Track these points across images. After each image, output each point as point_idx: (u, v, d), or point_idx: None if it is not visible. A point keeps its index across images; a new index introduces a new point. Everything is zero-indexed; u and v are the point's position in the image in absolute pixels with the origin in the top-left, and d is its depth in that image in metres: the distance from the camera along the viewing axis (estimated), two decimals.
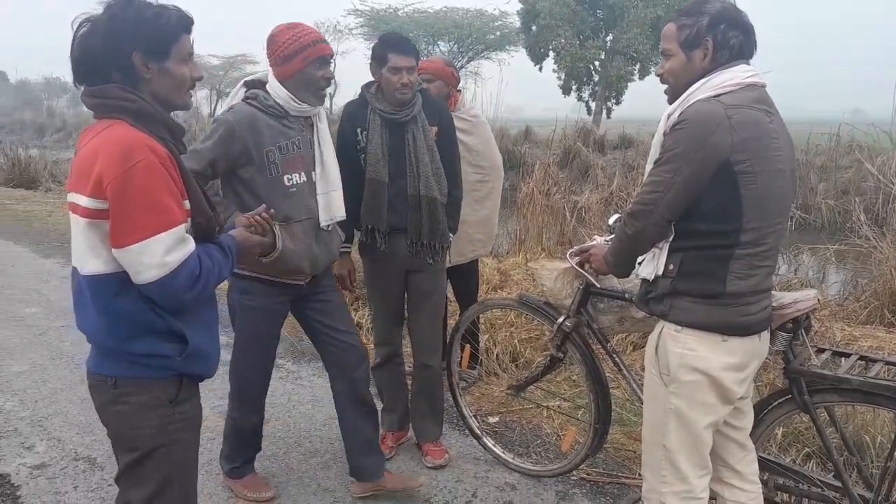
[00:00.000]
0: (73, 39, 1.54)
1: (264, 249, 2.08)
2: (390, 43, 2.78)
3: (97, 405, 1.66)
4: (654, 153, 1.89)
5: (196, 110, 20.08)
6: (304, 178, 2.48)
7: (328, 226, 2.57)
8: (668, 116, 1.85)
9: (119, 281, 1.52)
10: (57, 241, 7.98)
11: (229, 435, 2.86)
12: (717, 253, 1.81)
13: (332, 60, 2.51)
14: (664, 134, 1.85)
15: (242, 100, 2.48)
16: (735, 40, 1.82)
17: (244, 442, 2.86)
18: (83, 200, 1.49)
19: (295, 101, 2.43)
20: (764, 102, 1.82)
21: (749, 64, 1.85)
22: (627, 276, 2.14)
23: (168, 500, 1.69)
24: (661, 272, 1.90)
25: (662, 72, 1.94)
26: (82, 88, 1.58)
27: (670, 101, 1.90)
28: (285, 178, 2.43)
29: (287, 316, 2.72)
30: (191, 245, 1.55)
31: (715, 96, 1.77)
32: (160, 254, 1.48)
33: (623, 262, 2.03)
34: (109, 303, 1.54)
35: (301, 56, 2.38)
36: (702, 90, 1.80)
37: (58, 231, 8.46)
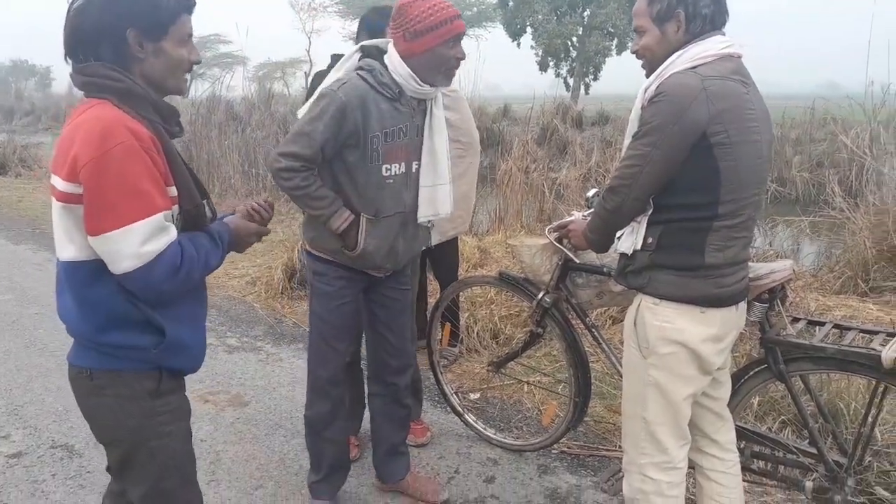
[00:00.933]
0: (68, 12, 1.47)
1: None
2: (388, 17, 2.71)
3: (77, 398, 1.61)
4: (631, 127, 1.88)
5: None
6: (402, 168, 2.26)
7: (428, 222, 2.40)
8: (646, 90, 1.84)
9: (95, 268, 1.46)
10: (28, 227, 7.82)
11: (310, 442, 2.60)
12: (694, 225, 1.81)
13: (462, 37, 2.20)
14: (642, 107, 1.84)
15: (355, 70, 2.23)
16: (707, 10, 1.81)
17: (322, 449, 2.58)
18: (59, 183, 1.43)
19: (416, 82, 2.18)
20: (740, 73, 1.81)
21: (724, 34, 1.84)
22: (606, 250, 2.14)
23: (167, 493, 1.64)
24: (639, 246, 1.90)
25: (638, 48, 1.92)
26: (72, 65, 1.51)
27: (648, 76, 1.89)
28: (384, 167, 2.22)
29: (362, 305, 2.51)
30: (171, 234, 1.47)
31: (691, 68, 1.76)
32: (137, 243, 1.40)
33: (603, 236, 2.02)
34: (85, 291, 1.48)
35: (436, 33, 2.11)
36: (678, 62, 1.79)
37: (28, 217, 8.29)
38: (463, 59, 2.22)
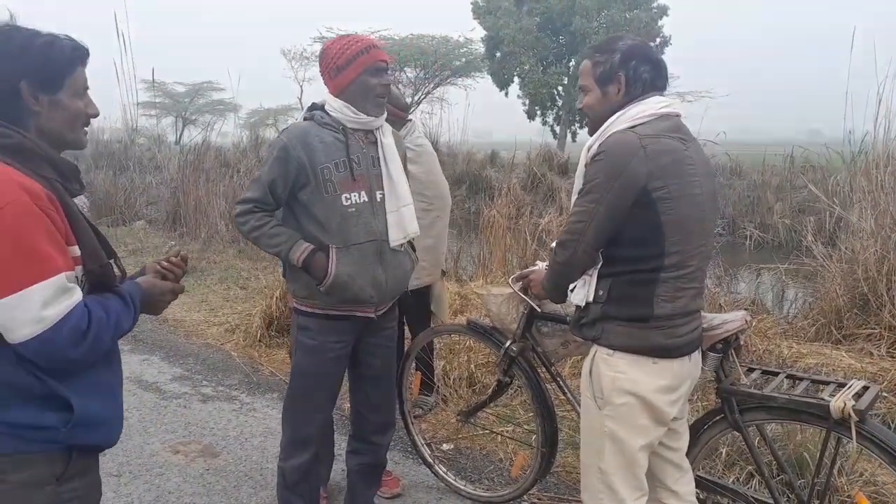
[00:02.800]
0: None
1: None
2: None
3: None
4: (577, 184, 1.96)
5: (160, 138, 19.83)
6: (364, 197, 2.31)
7: (401, 245, 2.42)
8: (588, 149, 1.92)
9: None
10: None
11: (280, 492, 2.56)
12: (642, 277, 1.87)
13: (388, 67, 2.34)
14: (585, 165, 1.92)
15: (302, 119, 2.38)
16: (647, 74, 1.91)
17: (294, 501, 2.53)
18: None
19: (352, 112, 2.29)
20: (679, 131, 1.90)
21: (663, 95, 1.93)
22: (563, 301, 2.19)
23: None
24: (591, 298, 1.94)
25: (581, 106, 2.02)
26: None
27: (591, 133, 1.97)
28: (343, 197, 2.27)
29: (348, 359, 2.48)
30: (76, 296, 1.37)
31: (630, 127, 1.85)
32: (36, 307, 1.29)
33: (556, 288, 2.07)
34: None
35: (355, 64, 2.25)
36: (617, 122, 1.87)
37: None
38: (388, 85, 2.35)
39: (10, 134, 1.39)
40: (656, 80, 1.92)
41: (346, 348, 2.44)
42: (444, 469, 3.17)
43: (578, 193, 1.92)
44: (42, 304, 1.31)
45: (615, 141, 1.84)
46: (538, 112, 29.49)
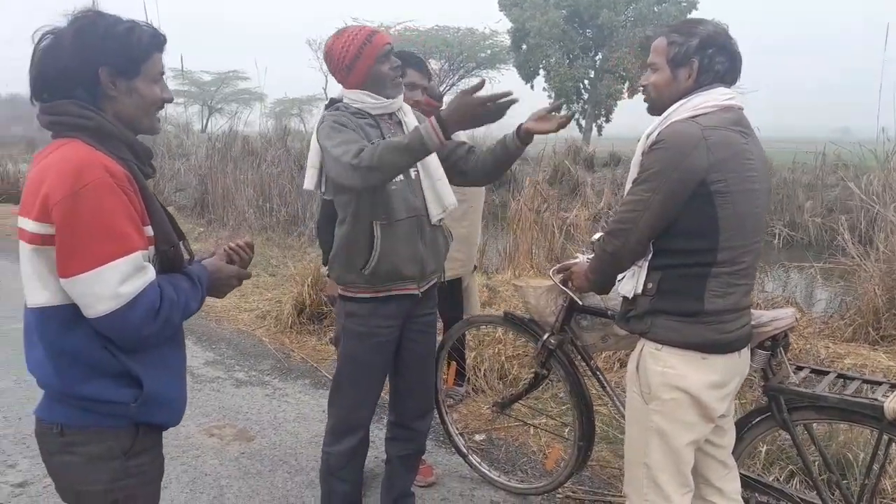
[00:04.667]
0: (34, 53, 1.42)
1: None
2: (408, 61, 2.78)
3: (43, 455, 1.51)
4: (632, 172, 1.92)
5: (188, 126, 20.03)
6: (401, 175, 2.29)
7: (440, 220, 2.42)
8: (647, 136, 1.88)
9: (68, 314, 1.38)
10: None
11: (324, 478, 2.59)
12: (694, 271, 1.84)
13: (392, 47, 2.32)
14: (643, 153, 1.88)
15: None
16: (720, 66, 1.86)
17: (340, 489, 2.55)
18: (29, 225, 1.36)
19: (372, 98, 2.31)
20: (740, 124, 1.86)
21: (727, 87, 1.89)
22: (607, 293, 2.17)
23: None
24: (640, 290, 1.92)
25: (647, 83, 1.97)
26: (38, 106, 1.45)
27: (650, 112, 1.95)
28: None
29: (397, 342, 2.47)
30: (150, 274, 1.40)
31: (692, 117, 1.81)
32: (114, 283, 1.32)
33: (603, 278, 2.05)
34: (58, 339, 1.39)
35: (363, 57, 2.26)
36: (680, 111, 1.84)
37: None
38: (398, 66, 2.33)
39: (91, 116, 1.42)
40: (728, 73, 1.88)
41: (395, 332, 2.44)
42: (477, 459, 3.18)
43: (633, 182, 1.88)
44: (119, 281, 1.34)
45: (676, 130, 1.80)
46: (563, 105, 29.31)
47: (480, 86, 2.12)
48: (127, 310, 1.35)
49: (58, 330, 1.39)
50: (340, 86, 2.38)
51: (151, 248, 1.46)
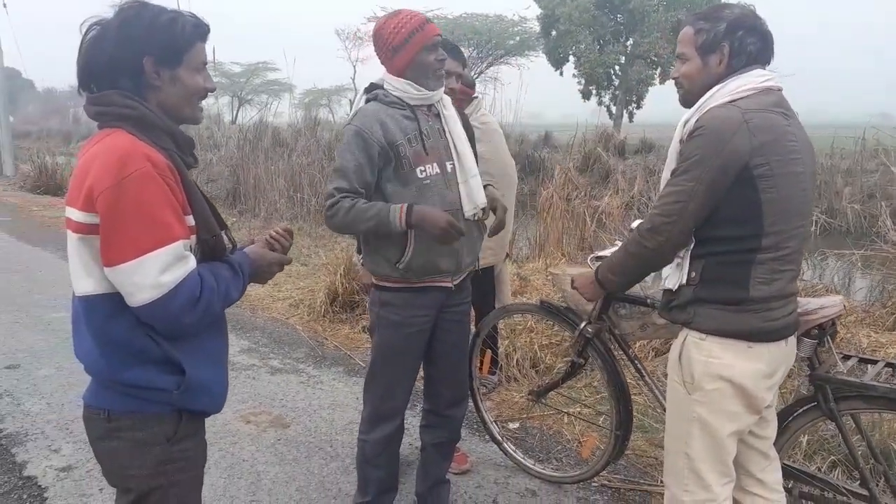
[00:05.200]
0: (82, 44, 1.45)
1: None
2: (445, 48, 2.78)
3: (90, 440, 1.55)
4: (670, 162, 1.88)
5: (219, 117, 20.24)
6: (436, 169, 2.31)
7: (474, 215, 2.40)
8: (685, 123, 1.83)
9: (113, 303, 1.41)
10: None
11: (360, 465, 2.60)
12: (738, 258, 1.80)
13: (440, 41, 2.31)
14: (681, 141, 1.83)
15: (365, 102, 2.38)
16: (752, 47, 1.81)
17: (376, 475, 2.57)
18: (75, 214, 1.39)
19: (414, 88, 2.29)
20: (781, 106, 1.80)
21: (764, 69, 1.84)
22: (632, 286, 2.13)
23: None
24: (684, 280, 1.88)
25: (678, 75, 1.93)
26: (85, 96, 1.48)
27: (683, 104, 1.90)
28: (418, 170, 2.27)
29: (430, 332, 2.47)
30: (191, 263, 1.42)
31: (731, 101, 1.76)
32: (155, 273, 1.35)
33: (634, 279, 2.01)
34: (103, 327, 1.43)
35: (412, 42, 2.24)
36: (717, 96, 1.79)
37: None
38: (444, 59, 2.33)
39: (134, 105, 1.44)
40: (762, 54, 1.83)
41: (429, 322, 2.44)
42: (512, 447, 3.17)
43: (673, 173, 1.83)
44: (161, 270, 1.36)
45: (716, 115, 1.75)
46: (594, 92, 28.95)
47: (456, 228, 2.21)
48: (168, 299, 1.37)
49: (103, 318, 1.43)
50: (383, 69, 2.36)
51: (193, 237, 1.48)
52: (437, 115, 2.39)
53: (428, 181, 2.29)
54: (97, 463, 3.11)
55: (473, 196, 2.39)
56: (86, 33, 1.46)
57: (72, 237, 1.42)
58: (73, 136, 30.30)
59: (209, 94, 1.57)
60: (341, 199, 2.25)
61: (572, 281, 2.37)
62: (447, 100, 2.44)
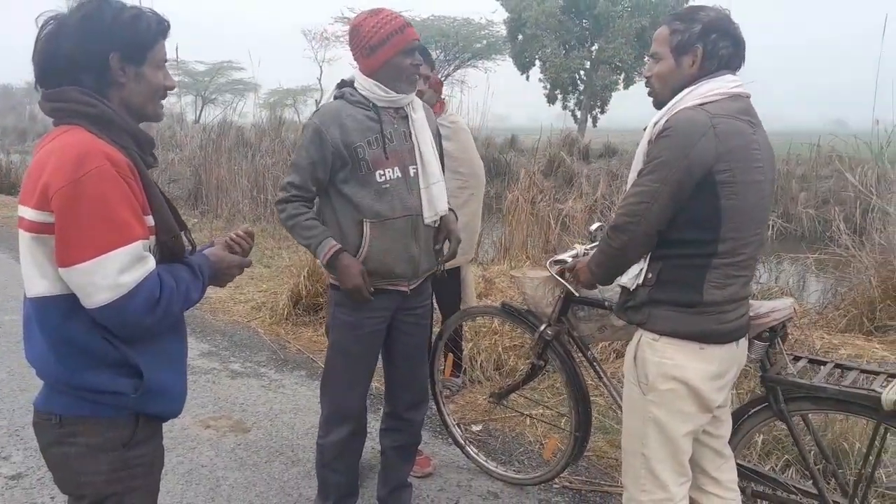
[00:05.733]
0: (38, 39, 1.41)
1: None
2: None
3: (41, 446, 1.49)
4: (637, 162, 1.89)
5: (181, 116, 19.91)
6: (398, 173, 2.29)
7: (434, 222, 2.40)
8: (654, 124, 1.85)
9: (68, 304, 1.36)
10: None
11: (318, 469, 2.60)
12: (694, 262, 1.83)
13: (418, 46, 2.31)
14: (649, 142, 1.85)
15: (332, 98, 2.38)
16: (725, 51, 1.84)
17: (334, 480, 2.56)
18: (28, 213, 1.35)
19: (382, 90, 2.27)
20: (748, 113, 1.84)
21: (734, 75, 1.87)
22: (610, 284, 2.15)
23: None
24: (641, 281, 1.91)
25: (650, 74, 1.94)
26: (41, 92, 1.44)
27: (655, 105, 1.91)
28: (377, 174, 2.26)
29: (384, 334, 2.48)
30: (150, 264, 1.39)
31: (700, 105, 1.78)
32: (114, 273, 1.31)
33: (608, 274, 2.01)
34: (58, 329, 1.38)
35: (389, 44, 2.21)
36: (687, 98, 1.81)
37: None
38: (419, 64, 2.33)
39: (94, 103, 1.40)
40: (733, 59, 1.86)
41: (382, 324, 2.44)
42: (474, 450, 3.18)
43: (639, 173, 1.85)
44: (119, 271, 1.33)
45: (684, 118, 1.77)
46: (559, 96, 29.24)
47: (363, 297, 2.31)
48: (126, 300, 1.34)
49: (57, 320, 1.38)
50: (357, 67, 2.34)
51: (152, 237, 1.45)
52: (405, 118, 2.36)
53: (387, 185, 2.28)
54: (49, 471, 3.03)
55: (434, 203, 2.37)
56: (42, 28, 1.42)
57: (24, 236, 1.37)
58: (28, 134, 29.48)
59: (170, 92, 1.55)
60: (289, 201, 2.30)
61: (575, 264, 2.35)
62: (417, 103, 2.41)
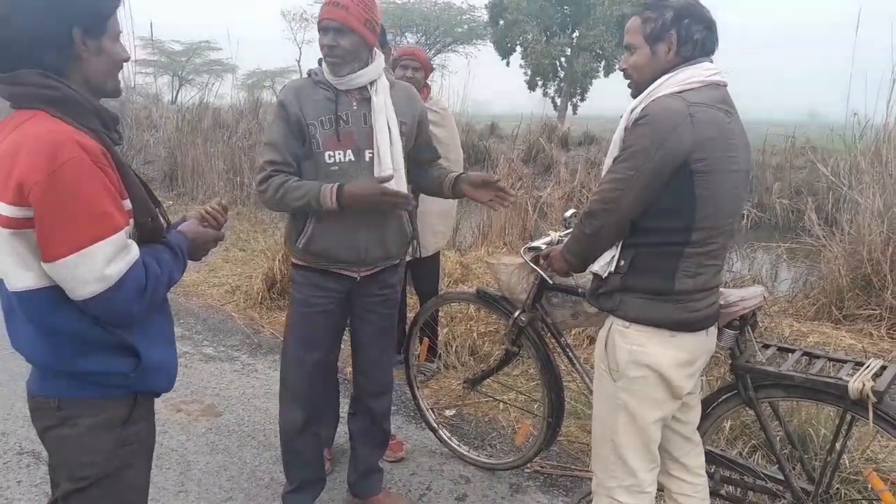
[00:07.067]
0: None
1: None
2: None
3: (39, 430, 1.49)
4: (613, 149, 1.88)
5: (157, 97, 19.53)
6: (350, 156, 2.24)
7: (387, 175, 2.27)
8: (631, 111, 1.84)
9: (56, 295, 1.34)
10: None
11: (282, 451, 2.60)
12: (667, 250, 1.83)
13: (333, 27, 2.18)
14: (625, 129, 1.84)
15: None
16: (699, 35, 1.83)
17: (295, 461, 2.57)
18: (3, 208, 1.30)
19: (328, 71, 2.26)
20: (725, 102, 1.83)
21: (712, 62, 1.87)
22: (583, 271, 2.15)
23: None
24: (613, 268, 1.91)
25: (626, 66, 1.93)
26: None
27: (634, 96, 1.89)
28: (326, 154, 2.23)
29: (338, 316, 2.46)
30: (134, 252, 1.37)
31: (678, 92, 1.77)
32: (99, 266, 1.29)
33: (581, 261, 2.01)
34: (47, 320, 1.36)
35: (319, 25, 2.23)
36: (665, 86, 1.80)
37: None
38: (330, 46, 2.20)
39: (56, 86, 1.35)
40: (708, 43, 1.85)
41: (331, 304, 2.41)
42: (447, 434, 3.19)
43: (615, 160, 1.84)
44: (105, 263, 1.31)
45: (661, 106, 1.76)
46: (539, 83, 29.21)
47: (389, 178, 2.22)
48: (114, 291, 1.33)
49: (47, 311, 1.36)
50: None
51: (131, 220, 1.42)
52: (367, 101, 2.29)
53: (336, 167, 2.25)
54: (16, 454, 2.97)
55: (383, 161, 2.27)
56: None
57: (1, 232, 1.32)
58: None
59: (124, 63, 1.49)
60: (272, 175, 2.23)
61: (549, 251, 2.30)
62: (382, 85, 2.32)
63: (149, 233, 1.47)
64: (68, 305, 1.35)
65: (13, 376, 3.75)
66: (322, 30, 2.22)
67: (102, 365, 1.42)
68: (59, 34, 1.35)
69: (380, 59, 2.33)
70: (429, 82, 3.58)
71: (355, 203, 2.19)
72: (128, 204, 1.41)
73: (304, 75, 2.38)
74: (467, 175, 2.46)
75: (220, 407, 3.59)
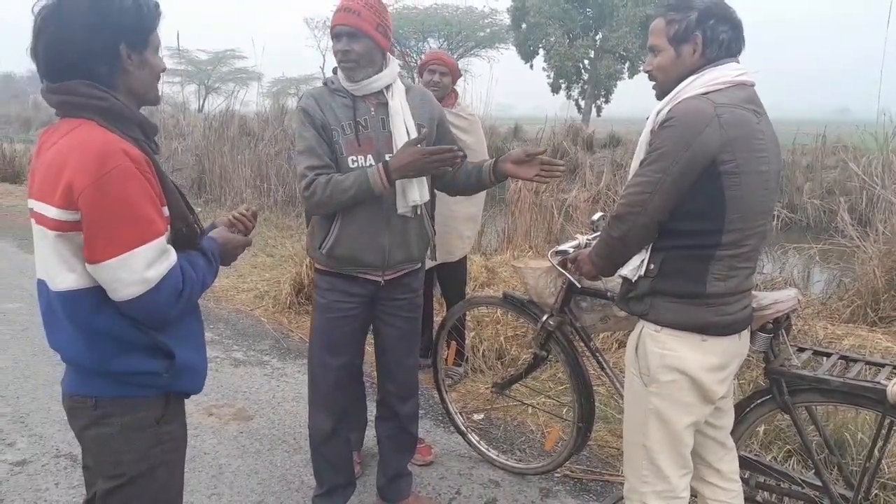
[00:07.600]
0: (40, 31, 1.40)
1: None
2: None
3: (76, 429, 1.55)
4: (640, 152, 1.87)
5: (184, 105, 19.86)
6: (371, 161, 2.25)
7: (407, 212, 2.32)
8: (657, 113, 1.83)
9: (97, 296, 1.41)
10: None
11: (312, 455, 2.61)
12: (697, 253, 1.81)
13: (347, 31, 2.20)
14: (651, 132, 1.83)
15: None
16: (724, 35, 1.81)
17: (324, 465, 2.58)
18: (51, 211, 1.37)
19: (343, 77, 2.29)
20: (753, 102, 1.81)
21: (738, 62, 1.85)
22: (614, 274, 2.14)
23: None
24: (642, 272, 1.89)
25: (651, 68, 1.91)
26: (43, 84, 1.44)
27: (659, 98, 1.88)
28: (349, 159, 2.25)
29: (363, 320, 2.47)
30: (172, 257, 1.44)
31: (704, 94, 1.76)
32: (140, 269, 1.36)
33: (610, 264, 1.99)
34: (87, 320, 1.42)
35: (331, 32, 2.25)
36: (691, 87, 1.78)
37: None
38: (343, 51, 2.22)
39: (104, 97, 1.42)
40: (734, 43, 1.83)
41: (356, 309, 2.42)
42: (476, 438, 3.18)
43: (642, 163, 1.83)
44: (146, 266, 1.38)
45: (688, 107, 1.74)
46: (563, 85, 29.10)
47: (425, 136, 2.24)
48: (153, 293, 1.39)
49: (88, 311, 1.42)
50: None
51: (168, 228, 1.48)
52: (385, 105, 2.31)
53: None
54: (53, 457, 3.03)
55: (408, 193, 2.30)
56: (42, 19, 1.40)
57: (48, 234, 1.40)
58: (33, 123, 29.43)
59: (162, 73, 1.57)
60: (316, 177, 2.23)
61: (576, 255, 2.29)
62: (398, 89, 2.34)
63: (184, 239, 1.53)
64: (108, 306, 1.41)
65: (49, 380, 3.84)
66: (335, 36, 2.25)
67: (137, 365, 1.47)
68: (107, 49, 1.42)
69: (394, 64, 2.35)
70: (455, 87, 3.60)
71: (404, 174, 2.19)
72: (166, 211, 1.47)
73: (321, 84, 2.40)
74: (507, 154, 2.37)
75: (251, 411, 3.62)
